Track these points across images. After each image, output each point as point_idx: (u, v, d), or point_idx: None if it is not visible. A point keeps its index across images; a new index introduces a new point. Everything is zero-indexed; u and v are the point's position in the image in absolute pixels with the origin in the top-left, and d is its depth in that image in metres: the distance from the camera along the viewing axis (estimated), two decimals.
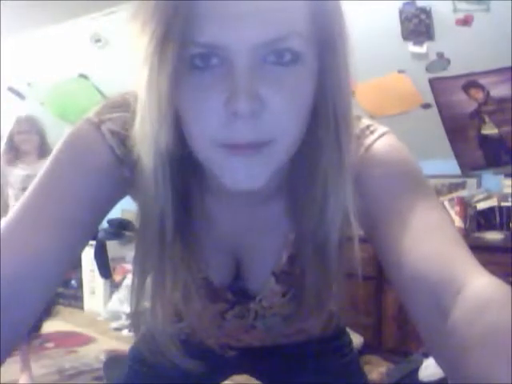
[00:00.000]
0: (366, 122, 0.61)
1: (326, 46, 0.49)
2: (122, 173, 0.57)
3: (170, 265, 0.56)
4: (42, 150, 2.76)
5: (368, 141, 0.58)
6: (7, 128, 2.85)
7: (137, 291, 0.57)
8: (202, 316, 0.69)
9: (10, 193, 2.77)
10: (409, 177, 0.56)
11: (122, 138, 0.56)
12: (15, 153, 2.82)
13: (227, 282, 0.68)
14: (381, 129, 0.60)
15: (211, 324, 0.74)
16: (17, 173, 2.74)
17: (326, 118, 0.51)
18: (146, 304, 0.58)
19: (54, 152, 0.57)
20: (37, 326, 2.55)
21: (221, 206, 0.62)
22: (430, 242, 0.49)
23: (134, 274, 0.57)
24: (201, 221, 0.61)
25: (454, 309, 0.42)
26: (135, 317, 0.59)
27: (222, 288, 0.68)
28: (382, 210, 0.54)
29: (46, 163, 0.56)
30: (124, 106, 0.57)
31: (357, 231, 0.55)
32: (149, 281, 0.57)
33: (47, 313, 2.70)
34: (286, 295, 0.68)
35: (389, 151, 0.57)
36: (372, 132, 0.59)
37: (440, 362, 0.45)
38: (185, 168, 0.54)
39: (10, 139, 2.84)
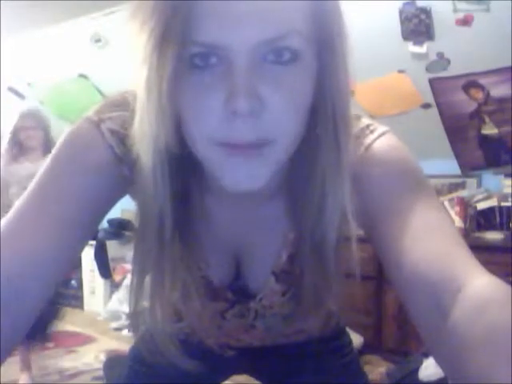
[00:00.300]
0: (365, 121, 0.61)
1: (325, 46, 0.49)
2: (121, 172, 0.57)
3: (168, 264, 0.56)
4: (47, 147, 2.62)
5: (368, 140, 0.58)
6: (11, 123, 2.72)
7: (135, 291, 0.57)
8: (202, 315, 0.69)
9: (14, 190, 2.61)
10: (409, 176, 0.56)
11: (122, 137, 0.56)
12: (19, 149, 2.68)
13: (227, 280, 0.68)
14: (381, 128, 0.60)
15: (211, 323, 0.74)
16: (21, 170, 2.59)
17: (324, 117, 0.51)
18: (145, 304, 0.58)
19: (54, 150, 0.57)
20: (44, 328, 2.47)
21: (221, 206, 0.62)
22: (430, 241, 0.49)
23: (132, 274, 0.57)
24: (200, 220, 0.61)
25: (454, 308, 0.42)
26: (134, 316, 0.59)
27: (222, 287, 0.68)
28: (381, 210, 0.54)
29: (46, 161, 0.56)
30: (123, 104, 0.57)
31: (355, 231, 0.55)
32: (148, 280, 0.57)
33: (54, 315, 2.57)
34: (285, 294, 0.68)
35: (388, 150, 0.57)
36: (372, 131, 0.59)
37: (440, 361, 0.45)
38: (184, 167, 0.54)
39: (14, 135, 2.69)
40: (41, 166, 0.56)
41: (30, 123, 2.69)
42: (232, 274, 0.68)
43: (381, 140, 0.58)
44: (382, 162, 0.56)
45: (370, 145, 0.58)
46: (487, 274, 0.45)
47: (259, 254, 0.66)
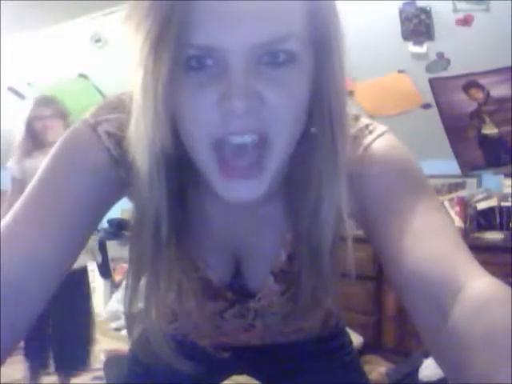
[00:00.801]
0: (364, 121, 0.61)
1: (322, 47, 0.49)
2: (118, 174, 0.57)
3: (164, 265, 0.56)
4: None
5: (367, 140, 0.58)
6: (25, 111, 2.31)
7: (130, 291, 0.57)
8: (200, 316, 0.69)
9: None
10: (408, 176, 0.56)
11: (118, 140, 0.56)
12: (34, 142, 2.27)
13: (227, 280, 0.68)
14: (380, 128, 0.60)
15: (210, 324, 0.74)
16: (35, 167, 2.16)
17: (321, 118, 0.51)
18: (141, 305, 0.58)
19: (52, 152, 0.57)
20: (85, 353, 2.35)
21: (219, 206, 0.62)
22: (431, 242, 0.49)
23: (127, 274, 0.57)
24: (199, 220, 0.61)
25: (455, 308, 0.42)
26: (129, 317, 0.59)
27: (222, 286, 0.68)
28: (381, 209, 0.54)
29: (44, 163, 0.56)
30: (120, 107, 0.57)
31: (350, 231, 0.55)
32: (143, 281, 0.57)
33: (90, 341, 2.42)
34: (284, 294, 0.68)
35: (388, 150, 0.57)
36: (371, 131, 0.59)
37: (439, 361, 0.45)
38: (181, 168, 0.54)
39: (29, 126, 2.27)
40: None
41: (47, 111, 2.27)
42: (231, 274, 0.68)
43: (380, 140, 0.58)
44: (381, 162, 0.56)
45: (369, 145, 0.58)
46: (487, 275, 0.45)
47: (258, 253, 0.66)
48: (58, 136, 1.75)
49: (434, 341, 0.45)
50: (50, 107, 2.30)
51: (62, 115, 2.29)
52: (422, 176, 0.57)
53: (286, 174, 0.58)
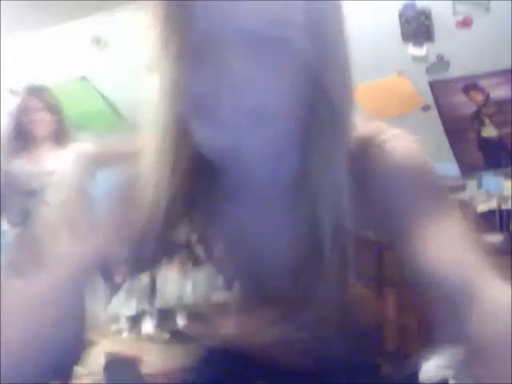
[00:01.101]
0: (379, 123, 0.61)
1: (325, 42, 0.49)
2: None
3: None
4: (59, 137, 1.85)
5: (382, 138, 0.58)
6: (12, 103, 2.10)
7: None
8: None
9: (13, 200, 1.89)
10: (424, 176, 0.56)
11: None
12: (21, 140, 1.93)
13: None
14: (396, 130, 0.60)
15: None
16: (20, 169, 1.84)
17: (323, 118, 0.51)
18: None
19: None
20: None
21: (233, 208, 0.62)
22: (449, 248, 0.49)
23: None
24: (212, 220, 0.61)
25: (471, 312, 0.43)
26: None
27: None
28: (394, 205, 0.54)
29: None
30: None
31: (351, 230, 0.55)
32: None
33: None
34: None
35: (404, 149, 0.57)
36: (385, 132, 0.59)
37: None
38: (192, 171, 0.55)
39: (16, 119, 1.98)
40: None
41: (36, 103, 1.97)
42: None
43: (397, 140, 0.58)
44: (397, 160, 0.56)
45: (385, 142, 0.57)
46: (503, 283, 0.45)
47: (266, 252, 0.66)
48: (49, 132, 1.55)
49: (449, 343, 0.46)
50: (40, 98, 2.02)
51: (54, 109, 2.00)
52: (437, 178, 0.57)
53: (286, 174, 0.58)
